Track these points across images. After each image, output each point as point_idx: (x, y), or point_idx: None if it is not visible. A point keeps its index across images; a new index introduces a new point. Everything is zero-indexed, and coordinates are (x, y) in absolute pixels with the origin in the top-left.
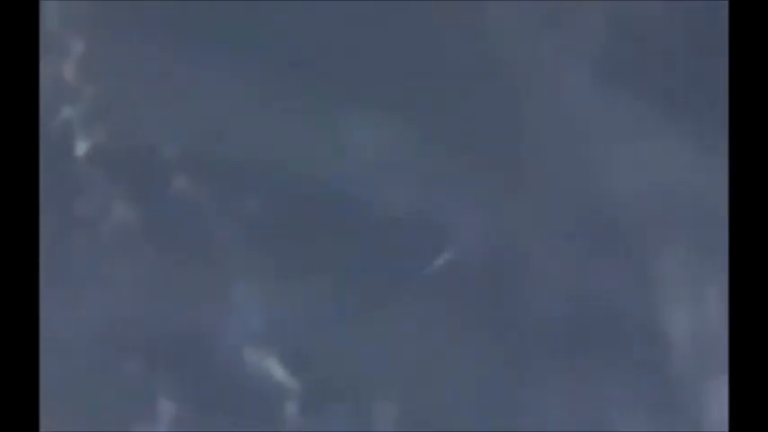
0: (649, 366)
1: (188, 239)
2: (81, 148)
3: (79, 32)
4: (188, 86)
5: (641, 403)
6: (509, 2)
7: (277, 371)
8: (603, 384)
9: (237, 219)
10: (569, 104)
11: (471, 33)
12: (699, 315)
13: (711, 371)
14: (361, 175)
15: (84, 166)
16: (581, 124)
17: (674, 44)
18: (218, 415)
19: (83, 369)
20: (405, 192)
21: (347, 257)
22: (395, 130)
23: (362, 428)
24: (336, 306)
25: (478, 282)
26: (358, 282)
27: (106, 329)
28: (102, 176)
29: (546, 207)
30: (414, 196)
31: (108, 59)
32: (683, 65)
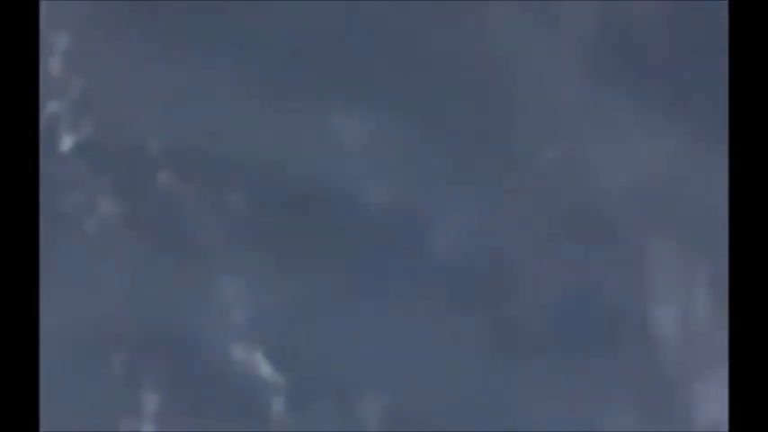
0: (643, 366)
1: (174, 235)
2: (66, 143)
3: (65, 30)
4: (175, 83)
5: (634, 402)
6: (507, 1)
7: (263, 367)
8: (595, 383)
9: (224, 215)
10: (565, 103)
11: (467, 33)
12: (693, 315)
13: (707, 370)
14: (350, 173)
15: (69, 161)
16: (576, 123)
17: (673, 44)
18: (204, 411)
19: (67, 365)
20: (394, 189)
21: (335, 254)
22: (385, 128)
23: (349, 424)
24: (323, 302)
25: (469, 279)
26: (346, 278)
27: (90, 325)
28: (88, 172)
29: (540, 206)
30: (404, 194)
31: (94, 56)
32: (681, 65)
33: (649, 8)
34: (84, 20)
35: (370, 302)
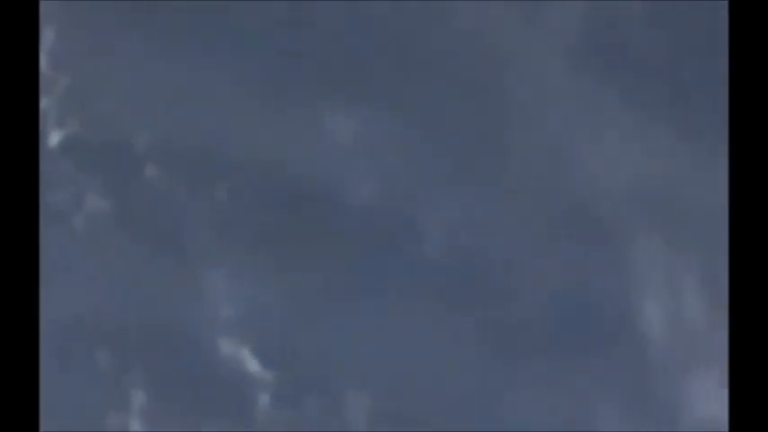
0: (642, 366)
1: (161, 231)
2: (54, 138)
3: (54, 26)
4: (173, 81)
5: (633, 401)
6: (507, 1)
7: (251, 363)
8: (593, 382)
9: (212, 211)
10: (564, 104)
11: (467, 33)
12: (690, 315)
13: (704, 369)
14: (349, 172)
15: (57, 157)
16: (575, 123)
17: (673, 44)
18: (191, 406)
19: (55, 360)
20: (393, 189)
21: (332, 253)
22: (384, 128)
23: (336, 420)
24: (320, 301)
25: (460, 279)
26: (343, 278)
27: (79, 320)
28: (75, 167)
29: (539, 206)
30: (402, 193)
31: (82, 52)
32: (681, 65)
33: (649, 8)
34: (84, 19)
35: (369, 302)
